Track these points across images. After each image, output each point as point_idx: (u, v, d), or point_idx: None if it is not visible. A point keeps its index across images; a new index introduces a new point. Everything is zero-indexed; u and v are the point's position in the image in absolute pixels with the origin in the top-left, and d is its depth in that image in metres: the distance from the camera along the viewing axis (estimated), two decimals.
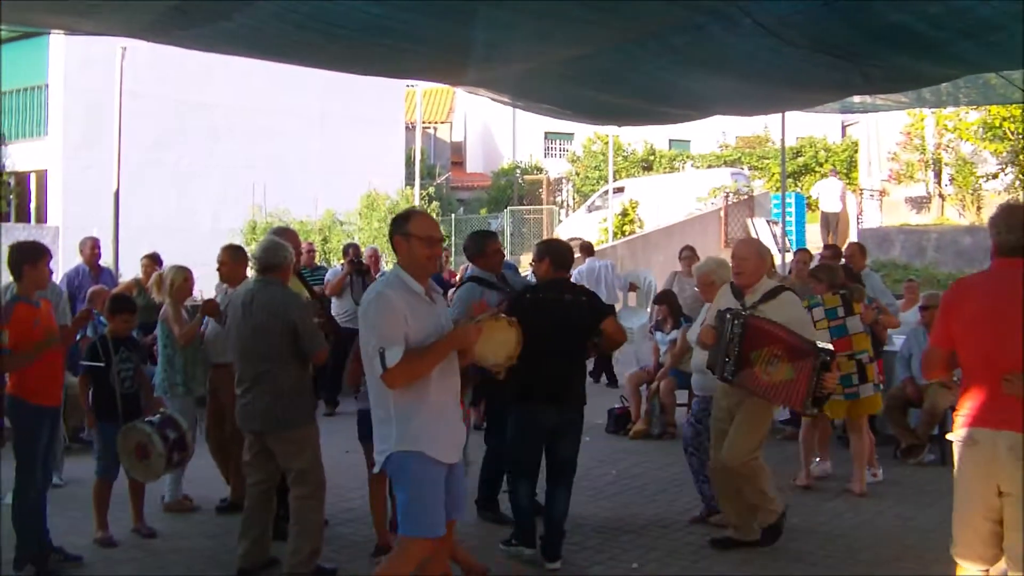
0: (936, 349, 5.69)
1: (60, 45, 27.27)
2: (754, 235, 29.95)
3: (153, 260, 12.88)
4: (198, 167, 29.99)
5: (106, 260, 15.89)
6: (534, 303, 7.77)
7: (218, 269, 9.60)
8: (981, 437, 5.27)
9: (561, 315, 7.71)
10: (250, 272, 9.24)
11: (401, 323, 5.54)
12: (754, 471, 8.02)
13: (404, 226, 5.78)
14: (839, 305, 10.07)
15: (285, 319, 7.45)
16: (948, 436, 5.72)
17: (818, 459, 10.75)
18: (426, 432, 5.65)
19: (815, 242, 28.17)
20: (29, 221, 29.74)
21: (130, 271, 15.49)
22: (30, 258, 7.68)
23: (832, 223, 30.15)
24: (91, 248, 13.86)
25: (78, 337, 10.41)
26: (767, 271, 8.38)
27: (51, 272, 8.12)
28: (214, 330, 9.47)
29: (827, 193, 30.63)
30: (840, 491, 10.17)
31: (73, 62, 27.26)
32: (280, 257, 7.85)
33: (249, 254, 8.20)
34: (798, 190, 36.79)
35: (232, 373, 9.39)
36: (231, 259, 9.53)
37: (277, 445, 7.51)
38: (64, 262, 18.56)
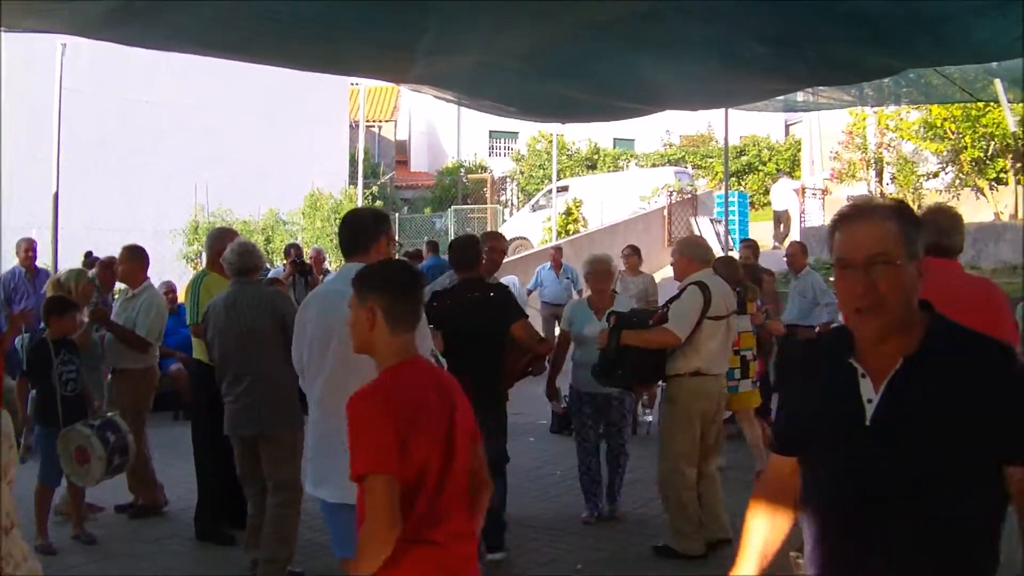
0: None
1: None
2: (697, 233, 30.18)
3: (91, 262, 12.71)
4: (140, 166, 29.71)
5: (46, 262, 15.71)
6: (440, 307, 7.68)
7: (117, 267, 9.60)
8: None
9: (466, 315, 7.62)
10: (152, 274, 9.38)
11: None
12: (674, 487, 8.02)
13: None
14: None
15: (274, 315, 7.41)
16: None
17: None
18: None
19: (763, 240, 28.39)
20: None
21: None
22: None
23: (782, 220, 30.49)
24: (26, 250, 13.69)
25: (17, 341, 10.30)
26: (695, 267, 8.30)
27: None
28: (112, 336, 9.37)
29: (777, 192, 31.00)
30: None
31: (13, 59, 26.91)
32: (256, 259, 7.91)
33: (223, 259, 8.01)
34: (742, 189, 37.03)
35: (134, 377, 9.31)
36: (129, 258, 9.51)
37: (268, 449, 7.42)
38: (4, 262, 18.36)
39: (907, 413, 2.85)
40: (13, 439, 3.71)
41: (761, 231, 30.22)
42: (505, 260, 9.86)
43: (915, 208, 23.46)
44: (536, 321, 18.53)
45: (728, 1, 7.52)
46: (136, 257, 9.56)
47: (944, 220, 5.80)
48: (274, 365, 7.32)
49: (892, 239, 2.89)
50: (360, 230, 5.46)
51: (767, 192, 38.51)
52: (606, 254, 10.16)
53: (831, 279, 14.88)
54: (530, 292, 19.67)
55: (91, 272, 11.58)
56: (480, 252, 8.33)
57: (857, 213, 2.99)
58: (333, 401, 4.88)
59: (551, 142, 37.34)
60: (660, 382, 8.55)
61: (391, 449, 3.61)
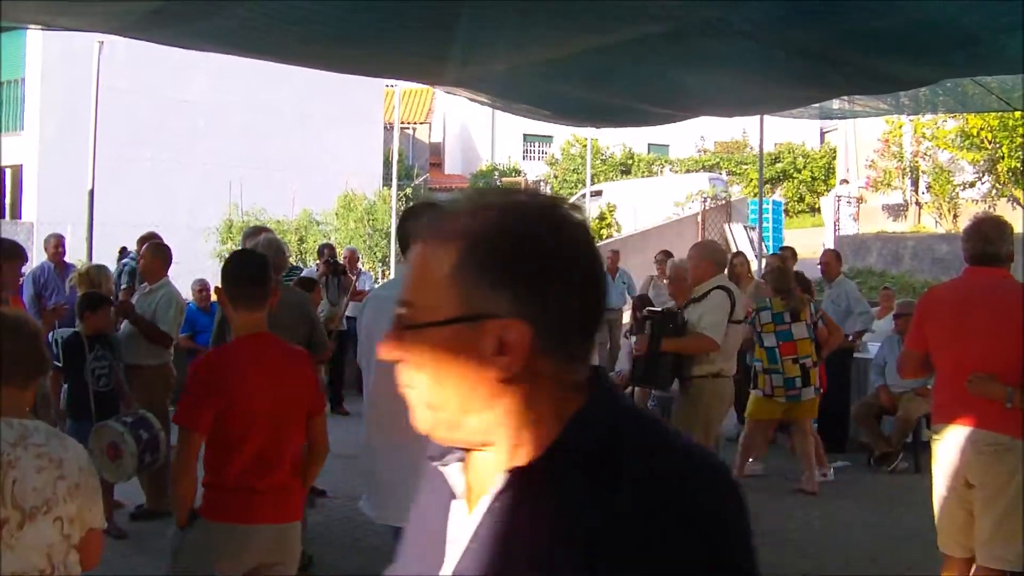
0: (911, 352, 6.12)
1: (37, 39, 27.10)
2: (731, 240, 30.08)
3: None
4: (175, 164, 29.84)
5: (80, 257, 15.77)
6: None
7: (139, 260, 9.65)
8: (950, 433, 5.68)
9: None
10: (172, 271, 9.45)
11: None
12: None
13: None
14: (785, 310, 10.22)
15: (305, 315, 7.45)
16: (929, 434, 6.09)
17: (750, 459, 10.90)
18: None
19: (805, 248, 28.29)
20: (3, 216, 29.55)
21: None
22: (9, 256, 7.63)
23: None
24: (55, 246, 13.70)
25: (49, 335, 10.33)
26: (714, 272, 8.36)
27: (22, 275, 8.06)
28: (127, 330, 9.37)
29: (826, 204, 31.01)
30: (792, 491, 10.38)
31: (51, 56, 27.10)
32: (286, 258, 7.89)
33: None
34: (776, 196, 36.89)
35: (148, 374, 9.27)
36: (152, 255, 9.52)
37: None
38: (37, 258, 18.49)
39: (501, 569, 1.62)
40: (82, 475, 3.59)
41: (795, 238, 30.11)
42: None
43: (951, 219, 22.99)
44: None
45: (758, 19, 7.53)
46: (159, 254, 9.55)
47: (989, 228, 5.90)
48: None
49: (432, 283, 1.64)
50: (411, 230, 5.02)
51: (802, 199, 38.38)
52: (684, 259, 10.22)
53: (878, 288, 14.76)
54: None
55: (128, 257, 11.59)
56: None
57: (424, 224, 1.74)
58: (372, 415, 4.94)
59: (585, 146, 37.32)
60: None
61: (199, 412, 4.44)
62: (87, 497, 3.63)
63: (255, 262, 4.90)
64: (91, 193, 16.28)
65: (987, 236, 5.83)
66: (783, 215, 33.88)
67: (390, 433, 4.59)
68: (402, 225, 5.07)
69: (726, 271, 9.06)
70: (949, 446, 5.69)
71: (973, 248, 5.85)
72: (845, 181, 33.62)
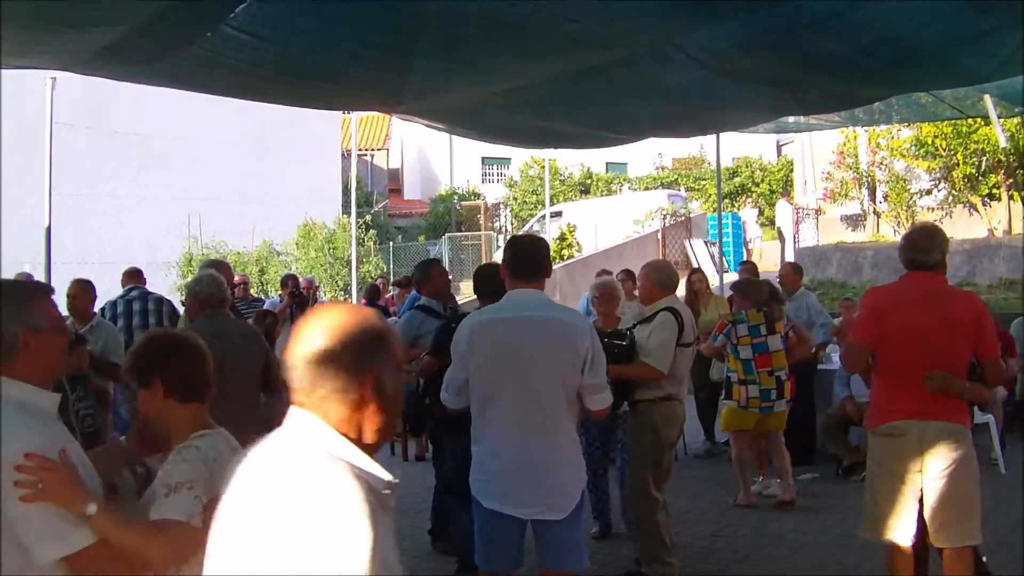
0: (859, 345, 6.49)
1: None
2: (692, 256, 30.17)
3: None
4: (133, 199, 29.65)
5: None
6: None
7: (68, 304, 9.37)
8: (909, 427, 6.11)
9: None
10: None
11: None
12: (647, 511, 7.94)
13: None
14: (762, 323, 10.27)
15: (263, 350, 7.38)
16: (871, 431, 6.31)
17: (760, 478, 10.86)
18: None
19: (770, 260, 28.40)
20: None
21: (64, 306, 15.23)
22: None
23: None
24: None
25: None
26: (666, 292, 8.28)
27: None
28: None
29: (778, 213, 31.08)
30: (772, 506, 10.36)
31: (2, 93, 26.89)
32: (226, 290, 7.73)
33: (197, 290, 7.77)
34: (735, 211, 37.02)
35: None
36: (82, 292, 9.30)
37: None
38: None
39: None
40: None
41: (756, 251, 30.21)
42: None
43: (910, 227, 23.44)
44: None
45: (711, 47, 7.58)
46: (89, 291, 9.43)
47: (919, 238, 6.40)
48: (257, 396, 7.40)
49: None
50: (545, 258, 5.84)
51: (761, 213, 38.58)
52: (611, 277, 10.33)
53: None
54: None
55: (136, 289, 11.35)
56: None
57: None
58: (524, 420, 5.50)
59: (544, 168, 37.35)
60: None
61: None
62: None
63: None
64: (48, 231, 16.14)
65: (916, 244, 6.33)
66: (743, 229, 34.03)
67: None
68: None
69: (682, 290, 8.96)
70: (907, 440, 6.10)
71: (905, 255, 6.35)
72: (787, 196, 33.88)
